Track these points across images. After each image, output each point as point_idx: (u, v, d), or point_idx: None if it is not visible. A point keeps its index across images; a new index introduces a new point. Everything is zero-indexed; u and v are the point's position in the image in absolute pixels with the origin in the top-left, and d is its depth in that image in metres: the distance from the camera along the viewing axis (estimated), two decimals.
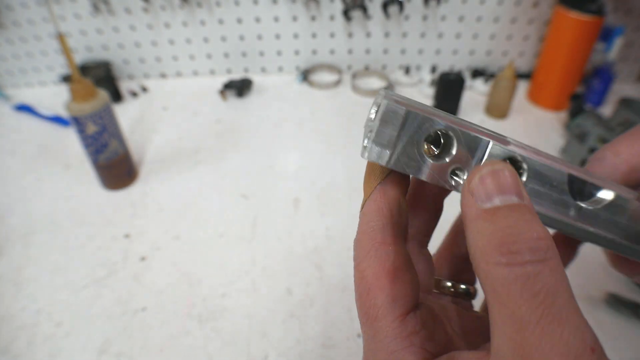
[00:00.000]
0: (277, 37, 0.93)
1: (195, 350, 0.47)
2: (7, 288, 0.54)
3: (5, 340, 0.48)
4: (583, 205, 0.20)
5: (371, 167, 0.21)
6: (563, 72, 0.83)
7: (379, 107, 0.19)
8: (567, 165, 0.20)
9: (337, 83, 0.94)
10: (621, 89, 0.92)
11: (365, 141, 0.19)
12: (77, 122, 0.59)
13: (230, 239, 0.60)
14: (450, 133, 0.19)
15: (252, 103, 0.89)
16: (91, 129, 0.60)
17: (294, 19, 0.90)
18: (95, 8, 0.87)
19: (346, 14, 0.87)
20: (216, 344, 0.48)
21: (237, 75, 0.96)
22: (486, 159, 0.19)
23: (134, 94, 0.92)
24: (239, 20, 0.90)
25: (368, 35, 0.92)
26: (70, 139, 0.78)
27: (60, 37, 0.57)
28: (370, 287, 0.19)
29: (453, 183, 0.19)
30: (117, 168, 0.65)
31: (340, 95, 0.91)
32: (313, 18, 0.90)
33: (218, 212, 0.64)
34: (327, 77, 0.96)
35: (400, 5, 0.86)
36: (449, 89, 0.79)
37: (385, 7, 0.86)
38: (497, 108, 0.83)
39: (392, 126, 0.18)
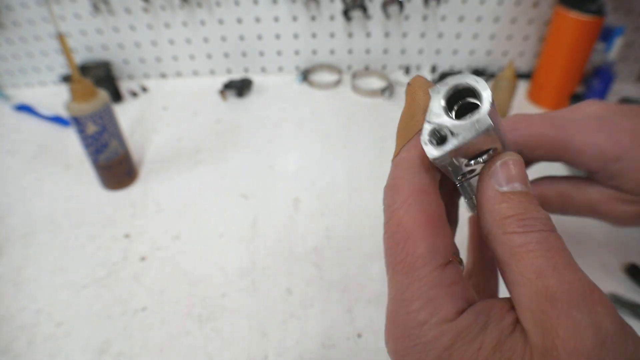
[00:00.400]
0: (277, 37, 0.93)
1: (195, 350, 0.47)
2: (7, 288, 0.54)
3: (5, 340, 0.48)
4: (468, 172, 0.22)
5: (411, 114, 0.20)
6: (563, 72, 0.83)
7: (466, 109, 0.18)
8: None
9: (337, 83, 0.94)
10: (621, 89, 0.92)
11: (429, 138, 0.18)
12: (77, 122, 0.59)
13: (230, 239, 0.60)
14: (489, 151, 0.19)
15: (252, 103, 0.89)
16: (91, 129, 0.60)
17: (294, 19, 0.90)
18: (95, 8, 0.87)
19: (346, 14, 0.87)
20: (216, 344, 0.48)
21: (237, 75, 0.96)
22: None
23: (134, 94, 0.92)
24: (239, 20, 0.90)
25: (368, 35, 0.92)
26: (70, 139, 0.78)
27: (60, 37, 0.57)
28: (410, 235, 0.18)
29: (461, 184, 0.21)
30: (117, 168, 0.65)
31: (340, 95, 0.91)
32: (313, 18, 0.90)
33: (218, 212, 0.64)
34: (327, 77, 0.96)
35: (400, 5, 0.86)
36: None
37: (385, 7, 0.86)
38: (497, 108, 0.83)
39: (480, 143, 0.18)
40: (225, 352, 0.47)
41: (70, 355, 0.47)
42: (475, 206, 0.22)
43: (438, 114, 0.18)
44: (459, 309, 0.17)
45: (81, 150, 0.65)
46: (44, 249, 0.59)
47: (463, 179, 0.21)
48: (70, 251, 0.58)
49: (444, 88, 0.19)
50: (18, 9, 0.85)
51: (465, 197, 0.22)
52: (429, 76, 0.94)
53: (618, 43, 0.82)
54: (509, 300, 0.18)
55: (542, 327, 0.16)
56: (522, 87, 0.93)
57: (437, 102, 0.19)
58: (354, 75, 0.94)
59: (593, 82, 0.86)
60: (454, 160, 0.19)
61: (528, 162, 0.31)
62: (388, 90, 0.89)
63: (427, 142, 0.18)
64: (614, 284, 0.52)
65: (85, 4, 0.86)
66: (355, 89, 0.92)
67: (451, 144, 0.18)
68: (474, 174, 0.22)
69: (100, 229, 0.61)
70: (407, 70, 0.94)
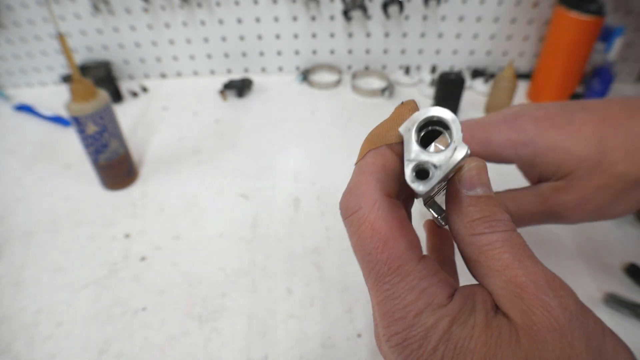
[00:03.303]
0: (277, 37, 0.93)
1: (195, 350, 0.47)
2: (7, 288, 0.54)
3: (5, 340, 0.48)
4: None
5: (390, 127, 0.21)
6: (563, 72, 0.83)
7: (452, 146, 0.19)
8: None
9: (337, 83, 0.94)
10: (621, 89, 0.92)
11: (414, 176, 0.20)
12: (77, 122, 0.59)
13: (230, 239, 0.60)
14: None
15: (252, 103, 0.89)
16: (91, 129, 0.60)
17: (294, 19, 0.90)
18: (95, 8, 0.87)
19: (346, 14, 0.87)
20: (216, 344, 0.48)
21: (237, 75, 0.96)
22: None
23: (134, 94, 0.92)
24: (239, 20, 0.90)
25: (368, 35, 0.92)
26: (70, 139, 0.78)
27: (61, 37, 0.57)
28: (388, 238, 0.19)
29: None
30: (117, 168, 0.65)
31: (340, 95, 0.91)
32: (313, 18, 0.90)
33: (218, 212, 0.64)
34: (327, 77, 0.96)
35: (400, 5, 0.86)
36: (449, 89, 0.79)
37: (385, 7, 0.86)
38: (497, 108, 0.83)
39: (458, 167, 0.20)
40: (225, 352, 0.47)
41: (70, 355, 0.47)
42: (443, 219, 0.23)
43: (416, 152, 0.19)
44: (449, 293, 0.19)
45: (81, 150, 0.65)
46: (44, 249, 0.59)
47: (430, 199, 0.22)
48: (70, 251, 0.58)
49: (413, 126, 0.20)
50: (18, 9, 0.85)
51: (435, 212, 0.23)
52: (428, 76, 0.94)
53: (618, 43, 0.82)
54: (484, 287, 0.20)
55: (519, 309, 0.18)
56: (522, 87, 0.93)
57: (412, 141, 0.20)
58: (354, 75, 0.94)
59: (593, 82, 0.86)
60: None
61: None
62: (388, 90, 0.89)
63: (414, 180, 0.19)
64: (614, 284, 0.52)
65: (85, 4, 0.86)
66: (355, 89, 0.92)
67: (436, 177, 0.19)
68: (440, 192, 0.23)
69: (100, 229, 0.61)
70: (407, 70, 0.94)
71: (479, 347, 0.18)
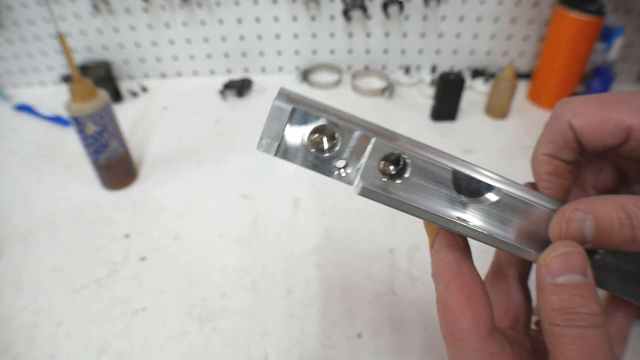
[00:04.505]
0: (277, 37, 0.93)
1: (195, 350, 0.47)
2: (7, 288, 0.54)
3: (5, 340, 0.48)
4: (468, 201, 0.22)
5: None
6: (563, 72, 0.83)
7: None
8: (453, 162, 0.21)
9: (337, 83, 0.94)
10: (621, 89, 0.92)
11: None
12: (77, 122, 0.59)
13: (230, 239, 0.60)
14: (334, 129, 0.21)
15: (252, 103, 0.89)
16: (91, 129, 0.60)
17: (294, 19, 0.90)
18: (95, 8, 0.87)
19: (346, 14, 0.87)
20: (216, 344, 0.48)
21: (237, 75, 0.96)
22: (369, 153, 0.21)
23: (134, 94, 0.92)
24: (239, 20, 0.90)
25: (368, 35, 0.92)
26: (70, 139, 0.78)
27: (60, 37, 0.57)
28: (455, 314, 0.21)
29: (336, 173, 0.21)
30: (117, 168, 0.65)
31: (340, 95, 0.91)
32: (313, 18, 0.90)
33: (218, 212, 0.64)
34: (327, 77, 0.96)
35: (400, 5, 0.86)
36: (449, 89, 0.79)
37: (385, 7, 0.86)
38: (497, 108, 0.83)
39: (279, 121, 0.20)
40: (225, 352, 0.47)
41: (70, 355, 0.47)
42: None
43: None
44: None
45: (81, 150, 0.65)
46: (44, 249, 0.59)
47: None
48: (70, 251, 0.58)
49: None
50: (18, 9, 0.86)
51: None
52: (428, 76, 0.94)
53: (618, 43, 0.82)
54: None
55: None
56: (522, 87, 0.93)
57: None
58: (354, 75, 0.94)
59: (593, 82, 0.86)
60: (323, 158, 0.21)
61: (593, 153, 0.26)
62: (388, 90, 0.89)
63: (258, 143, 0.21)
64: None
65: (85, 4, 0.86)
66: (355, 89, 0.92)
67: (262, 130, 0.20)
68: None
69: (100, 229, 0.61)
70: (407, 70, 0.94)
71: None
